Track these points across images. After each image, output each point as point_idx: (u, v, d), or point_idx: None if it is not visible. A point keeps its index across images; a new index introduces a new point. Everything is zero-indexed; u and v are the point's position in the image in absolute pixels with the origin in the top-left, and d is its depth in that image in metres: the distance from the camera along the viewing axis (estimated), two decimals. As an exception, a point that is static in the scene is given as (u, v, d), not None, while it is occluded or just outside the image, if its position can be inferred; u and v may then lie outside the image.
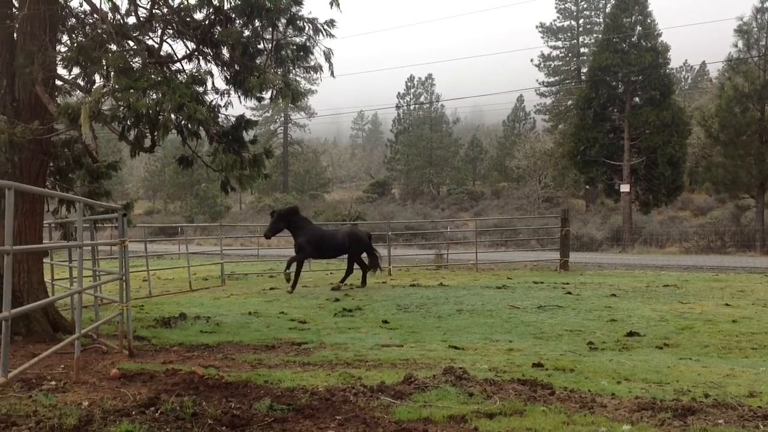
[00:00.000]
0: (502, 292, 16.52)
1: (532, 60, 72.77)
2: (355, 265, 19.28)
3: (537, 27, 71.29)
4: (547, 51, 71.68)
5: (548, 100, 73.88)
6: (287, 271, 17.52)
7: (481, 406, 6.18)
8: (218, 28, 11.07)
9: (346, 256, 19.30)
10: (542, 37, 71.72)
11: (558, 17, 70.64)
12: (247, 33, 11.14)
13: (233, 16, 11.02)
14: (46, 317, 10.57)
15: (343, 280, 18.89)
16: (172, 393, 6.65)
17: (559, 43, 71.57)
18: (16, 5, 10.84)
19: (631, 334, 10.84)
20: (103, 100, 9.30)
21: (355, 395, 6.61)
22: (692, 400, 6.56)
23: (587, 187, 53.94)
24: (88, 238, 10.48)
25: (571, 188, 63.23)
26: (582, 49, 70.00)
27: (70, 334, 9.85)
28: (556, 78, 72.52)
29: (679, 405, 6.25)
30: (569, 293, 15.95)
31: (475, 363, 8.48)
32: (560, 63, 72.29)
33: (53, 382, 7.29)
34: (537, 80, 72.77)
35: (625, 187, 39.86)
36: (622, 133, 40.72)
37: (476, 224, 32.46)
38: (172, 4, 11.22)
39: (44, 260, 12.01)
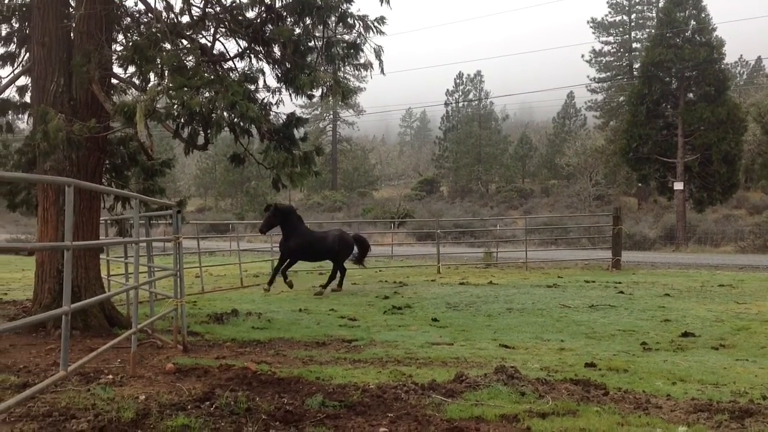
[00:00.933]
0: (552, 290, 16.35)
1: (583, 56, 71.94)
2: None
3: (588, 22, 70.37)
4: (598, 46, 70.76)
5: (599, 97, 72.79)
6: (287, 280, 17.11)
7: (534, 406, 6.13)
8: (270, 26, 11.15)
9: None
10: (593, 33, 70.75)
11: (609, 12, 69.59)
12: (298, 31, 11.19)
13: (284, 14, 11.09)
14: (103, 312, 10.78)
15: (327, 284, 17.62)
16: (226, 388, 6.73)
17: (611, 39, 70.49)
18: (73, 5, 11.07)
19: (685, 334, 10.64)
20: (157, 98, 9.43)
21: (407, 393, 6.61)
22: (750, 401, 6.43)
23: (639, 184, 53.07)
24: (143, 235, 10.66)
25: (622, 186, 62.29)
26: (634, 45, 68.86)
27: (125, 329, 10.06)
28: (608, 74, 71.43)
29: (737, 407, 6.14)
30: (622, 292, 15.71)
31: (526, 362, 8.42)
32: (612, 59, 71.17)
33: (110, 376, 7.44)
34: (588, 76, 71.88)
35: (678, 185, 39.11)
36: (676, 130, 39.95)
37: (526, 222, 32.18)
38: (225, 2, 11.32)
39: (100, 256, 12.24)
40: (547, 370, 7.92)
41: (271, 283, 17.00)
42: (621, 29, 69.84)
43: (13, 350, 9.11)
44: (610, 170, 59.51)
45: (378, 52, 11.15)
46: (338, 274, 17.96)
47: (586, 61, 71.22)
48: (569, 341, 10.21)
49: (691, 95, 40.48)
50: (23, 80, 12.76)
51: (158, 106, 9.58)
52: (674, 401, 6.48)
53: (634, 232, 37.86)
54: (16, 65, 13.05)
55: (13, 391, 6.68)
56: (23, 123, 14.02)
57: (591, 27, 70.40)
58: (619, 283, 17.80)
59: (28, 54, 12.33)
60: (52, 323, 10.10)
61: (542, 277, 20.30)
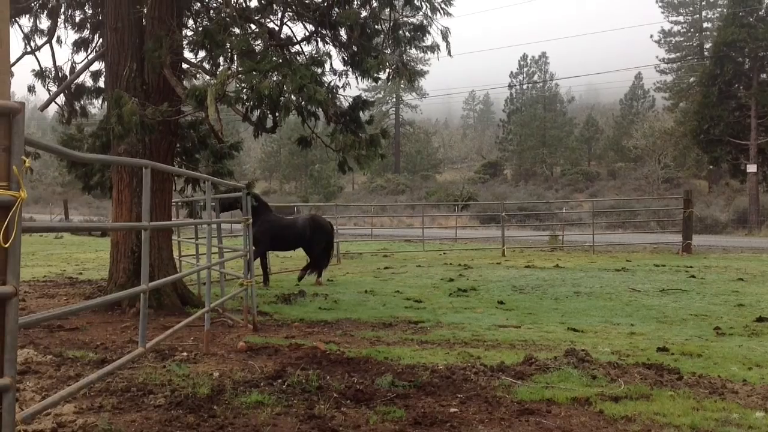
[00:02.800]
0: (621, 274, 16.09)
1: (651, 36, 70.13)
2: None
3: (657, 1, 68.53)
4: (667, 26, 68.85)
5: (669, 78, 70.81)
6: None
7: (606, 389, 6.07)
8: (336, 9, 11.19)
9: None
10: (662, 12, 68.85)
11: (680, -10, 67.69)
12: (364, 14, 11.22)
13: (351, -4, 11.13)
14: (176, 291, 11.05)
15: (319, 275, 15.76)
16: (297, 366, 6.83)
17: (681, 18, 68.52)
18: (145, -9, 11.29)
19: (760, 319, 10.34)
20: (227, 82, 9.57)
21: (476, 374, 6.61)
22: (831, 388, 6.24)
23: (710, 167, 51.67)
24: (214, 217, 10.84)
25: (692, 169, 60.68)
26: (705, 24, 66.80)
27: (197, 308, 10.30)
28: (677, 54, 69.49)
29: (817, 393, 5.97)
30: (693, 277, 15.37)
31: (596, 346, 8.31)
32: (682, 39, 69.19)
33: (185, 353, 7.63)
34: (657, 57, 69.99)
35: (752, 167, 38.01)
36: (749, 111, 38.80)
37: (593, 205, 31.66)
38: (292, -14, 11.41)
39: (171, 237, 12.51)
40: (618, 354, 7.81)
41: (266, 281, 14.91)
42: (691, 8, 67.81)
43: (90, 327, 9.41)
44: (680, 152, 58.05)
45: (445, 34, 11.12)
46: (320, 263, 15.86)
47: (655, 42, 69.45)
48: (640, 325, 10.03)
49: (764, 75, 39.36)
50: (97, 65, 13.12)
51: (228, 89, 9.72)
52: (750, 386, 6.34)
53: (704, 216, 36.94)
54: (89, 51, 13.42)
55: (92, 366, 6.91)
56: (94, 108, 14.38)
57: (660, 6, 68.57)
58: (690, 267, 17.42)
59: (101, 39, 12.66)
60: (127, 302, 10.40)
61: (610, 260, 19.99)
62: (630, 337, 9.07)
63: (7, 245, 3.21)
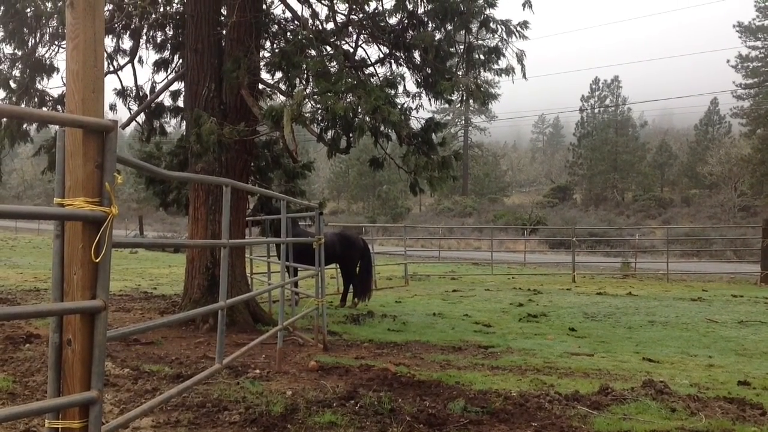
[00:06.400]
0: (697, 304, 15.63)
1: (728, 61, 68.49)
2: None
3: (734, 26, 66.93)
4: (745, 51, 67.15)
5: (746, 103, 68.98)
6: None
7: (686, 423, 5.88)
8: (411, 32, 11.26)
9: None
10: (740, 37, 67.18)
11: (757, 16, 65.88)
12: (439, 36, 11.23)
13: (426, 19, 11.17)
14: (248, 309, 11.17)
15: (344, 298, 15.35)
16: (369, 388, 6.81)
17: (759, 43, 66.72)
18: (224, 13, 11.55)
19: None
20: (303, 102, 9.67)
21: (550, 402, 6.48)
22: None
23: (789, 195, 50.03)
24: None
25: (770, 197, 58.90)
26: (785, 50, 64.99)
27: (268, 326, 10.40)
28: (755, 80, 67.64)
29: None
30: (773, 309, 14.84)
31: (673, 377, 8.08)
32: (760, 64, 67.32)
33: (257, 371, 7.69)
34: (734, 82, 68.35)
35: (834, 197, 36.67)
36: (833, 138, 37.49)
37: (667, 232, 30.94)
38: (368, 9, 11.51)
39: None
40: (698, 386, 7.56)
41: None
42: (770, 34, 66.09)
43: (165, 342, 9.58)
44: (757, 180, 56.30)
45: (520, 57, 11.04)
46: (363, 284, 15.12)
47: (732, 67, 67.82)
48: (718, 357, 9.72)
49: None
50: (176, 85, 13.45)
51: (303, 110, 9.82)
52: (841, 426, 6.05)
53: (783, 246, 35.65)
54: (169, 71, 13.77)
55: (168, 380, 7.02)
56: (169, 126, 14.72)
57: (737, 31, 66.97)
58: (770, 298, 16.83)
59: (181, 60, 12.99)
60: (201, 318, 10.55)
61: (685, 289, 19.46)
62: (708, 370, 8.80)
63: (98, 260, 3.28)
